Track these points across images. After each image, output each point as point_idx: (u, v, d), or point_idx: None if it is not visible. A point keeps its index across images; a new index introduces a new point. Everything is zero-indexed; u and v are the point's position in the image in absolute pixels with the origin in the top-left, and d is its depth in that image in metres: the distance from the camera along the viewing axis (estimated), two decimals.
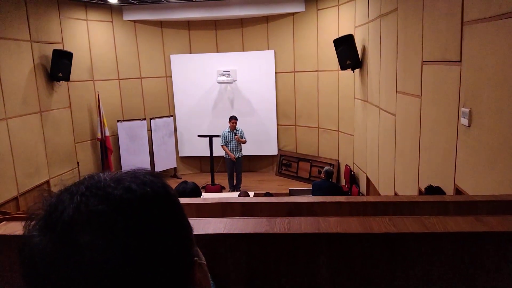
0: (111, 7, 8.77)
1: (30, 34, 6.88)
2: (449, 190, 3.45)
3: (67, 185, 0.57)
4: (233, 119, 8.46)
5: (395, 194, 5.14)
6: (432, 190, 3.44)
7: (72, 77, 7.56)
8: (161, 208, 0.55)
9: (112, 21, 8.87)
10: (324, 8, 8.39)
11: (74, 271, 0.48)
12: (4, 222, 1.46)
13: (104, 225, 0.50)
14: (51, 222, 0.51)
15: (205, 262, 0.62)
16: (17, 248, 0.53)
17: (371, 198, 2.31)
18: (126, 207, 0.52)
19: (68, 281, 0.48)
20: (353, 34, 7.13)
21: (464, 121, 3.11)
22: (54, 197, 0.54)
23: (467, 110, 3.05)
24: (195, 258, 0.60)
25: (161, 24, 9.43)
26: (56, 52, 7.22)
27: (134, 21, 9.15)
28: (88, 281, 0.48)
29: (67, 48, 7.67)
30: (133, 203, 0.53)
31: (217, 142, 8.58)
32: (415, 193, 4.35)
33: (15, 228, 1.34)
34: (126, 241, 0.50)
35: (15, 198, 6.38)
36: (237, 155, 8.52)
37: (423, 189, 3.80)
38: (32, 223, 0.53)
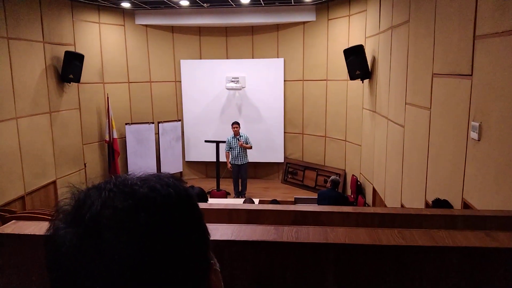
0: (123, 11, 8.86)
1: (43, 35, 6.96)
2: (457, 204, 3.42)
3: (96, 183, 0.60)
4: (234, 124, 8.47)
5: (402, 206, 5.10)
6: (440, 203, 3.41)
7: (82, 79, 7.63)
8: (182, 209, 0.58)
9: (124, 25, 8.96)
10: (335, 18, 8.41)
11: (97, 264, 0.50)
12: (13, 221, 1.47)
13: (127, 220, 0.52)
14: (79, 216, 0.53)
15: (219, 269, 0.63)
16: (43, 240, 0.56)
17: (378, 210, 2.30)
18: (150, 204, 0.54)
19: (90, 273, 0.50)
20: (364, 44, 7.13)
21: (473, 135, 3.09)
22: (82, 193, 0.57)
23: (477, 124, 3.03)
24: (212, 262, 0.61)
25: (172, 29, 9.50)
26: (67, 53, 7.30)
27: (146, 26, 9.23)
28: (110, 274, 0.50)
29: (79, 50, 7.75)
30: (156, 201, 0.55)
31: (223, 148, 8.61)
32: (422, 205, 4.31)
33: (25, 227, 1.35)
34: (147, 236, 0.52)
35: (22, 197, 6.42)
36: (241, 161, 8.51)
37: (430, 202, 3.77)
38: (59, 216, 0.56)
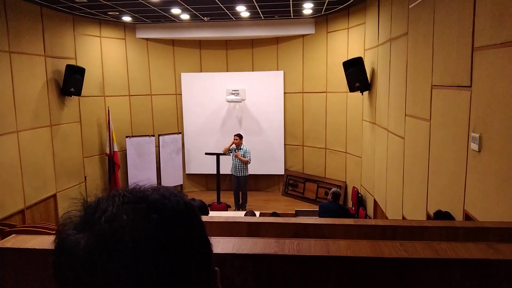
0: (124, 25, 8.93)
1: (44, 49, 7.01)
2: (458, 215, 3.40)
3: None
4: (235, 136, 8.48)
5: (403, 218, 5.08)
6: (441, 215, 3.40)
7: (83, 92, 7.65)
8: (189, 216, 0.62)
9: (125, 38, 9.03)
10: (334, 31, 8.48)
11: (114, 264, 0.52)
12: (13, 235, 1.46)
13: (142, 220, 0.55)
14: (91, 221, 0.56)
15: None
16: (53, 249, 0.57)
17: (379, 222, 2.29)
18: (162, 208, 0.59)
19: (107, 274, 0.52)
20: (363, 56, 7.18)
21: (474, 146, 3.09)
22: (93, 201, 0.60)
23: (477, 135, 3.03)
24: (216, 268, 0.64)
25: (173, 42, 9.58)
26: (69, 67, 7.34)
27: (147, 39, 9.30)
28: (127, 273, 0.52)
29: (80, 63, 7.79)
30: (167, 206, 0.60)
31: (223, 160, 8.59)
32: (424, 217, 4.30)
33: (25, 241, 1.35)
34: (160, 236, 0.56)
35: (21, 211, 6.39)
36: (239, 173, 8.47)
37: (431, 214, 3.75)
38: (67, 226, 0.58)
